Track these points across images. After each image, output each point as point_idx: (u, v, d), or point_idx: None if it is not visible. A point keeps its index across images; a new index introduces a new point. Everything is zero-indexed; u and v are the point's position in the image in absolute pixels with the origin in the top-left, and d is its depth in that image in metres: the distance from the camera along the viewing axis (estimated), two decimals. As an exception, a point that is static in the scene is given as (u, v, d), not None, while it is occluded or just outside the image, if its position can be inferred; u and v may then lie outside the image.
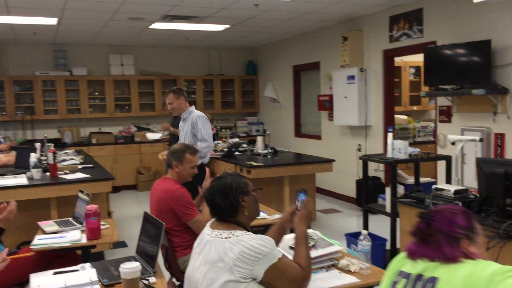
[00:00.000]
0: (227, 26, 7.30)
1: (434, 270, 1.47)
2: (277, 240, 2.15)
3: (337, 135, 7.61)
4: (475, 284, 1.36)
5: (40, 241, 2.97)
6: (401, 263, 1.61)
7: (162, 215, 3.01)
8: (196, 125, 4.73)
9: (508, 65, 4.71)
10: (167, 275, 2.92)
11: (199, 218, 3.05)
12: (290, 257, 2.08)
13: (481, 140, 4.10)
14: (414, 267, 1.53)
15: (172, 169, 3.25)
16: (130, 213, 7.00)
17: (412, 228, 1.59)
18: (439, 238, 1.51)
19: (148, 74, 9.37)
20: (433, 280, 1.45)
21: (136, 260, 2.55)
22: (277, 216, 3.53)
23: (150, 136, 8.49)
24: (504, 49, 4.74)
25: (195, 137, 4.75)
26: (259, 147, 6.47)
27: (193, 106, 4.96)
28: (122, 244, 5.26)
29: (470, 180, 4.69)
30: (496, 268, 1.38)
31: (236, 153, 6.43)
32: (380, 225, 5.54)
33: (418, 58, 7.28)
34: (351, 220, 6.39)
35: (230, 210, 2.08)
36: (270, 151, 6.23)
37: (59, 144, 8.11)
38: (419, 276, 1.49)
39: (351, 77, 6.75)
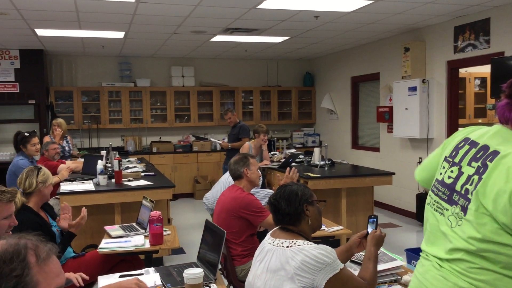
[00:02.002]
0: (286, 38, 7.35)
1: (500, 145, 1.41)
2: (343, 262, 2.12)
3: (396, 148, 7.43)
4: None
5: (106, 245, 3.11)
6: (469, 130, 1.58)
7: (228, 221, 3.14)
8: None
9: None
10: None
11: (271, 220, 3.11)
12: (351, 270, 2.05)
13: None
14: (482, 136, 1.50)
15: (243, 178, 3.37)
16: (187, 220, 7.15)
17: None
18: None
19: (208, 85, 9.59)
20: (495, 153, 1.41)
21: (197, 266, 2.60)
22: (335, 228, 3.50)
23: (213, 138, 8.71)
24: None
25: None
26: (316, 159, 6.43)
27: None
28: (180, 251, 5.37)
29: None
30: None
31: (293, 164, 6.42)
32: (442, 242, 5.32)
33: (484, 69, 6.99)
34: (411, 236, 6.20)
35: (294, 217, 2.08)
36: (327, 162, 6.17)
37: (122, 152, 8.45)
38: (484, 146, 1.46)
39: (413, 89, 6.59)
